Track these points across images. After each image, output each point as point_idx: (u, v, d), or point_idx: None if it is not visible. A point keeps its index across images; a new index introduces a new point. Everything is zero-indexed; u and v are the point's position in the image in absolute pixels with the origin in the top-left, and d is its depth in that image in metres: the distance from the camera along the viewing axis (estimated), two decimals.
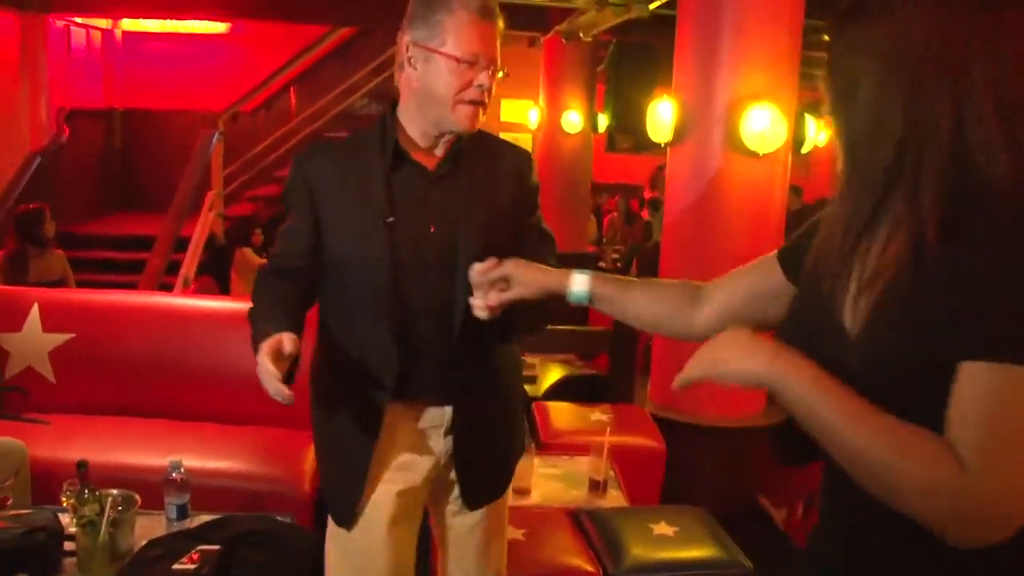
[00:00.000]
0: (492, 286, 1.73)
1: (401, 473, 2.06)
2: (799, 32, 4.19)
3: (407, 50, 1.92)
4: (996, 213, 1.08)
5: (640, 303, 1.65)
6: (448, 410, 2.04)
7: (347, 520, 2.05)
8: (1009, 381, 1.02)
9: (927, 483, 1.04)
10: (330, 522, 2.11)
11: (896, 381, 1.10)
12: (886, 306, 1.12)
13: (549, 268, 1.73)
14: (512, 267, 1.72)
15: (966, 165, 1.09)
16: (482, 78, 1.90)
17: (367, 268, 1.95)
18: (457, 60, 1.87)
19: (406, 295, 1.96)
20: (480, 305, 1.74)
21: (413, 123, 1.99)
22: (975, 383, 1.04)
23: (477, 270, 1.74)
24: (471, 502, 2.12)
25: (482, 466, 2.12)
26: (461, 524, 2.17)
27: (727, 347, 1.20)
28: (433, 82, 1.90)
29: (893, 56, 1.13)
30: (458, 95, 1.89)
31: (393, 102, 2.03)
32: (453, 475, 2.10)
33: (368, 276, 1.95)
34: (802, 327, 1.27)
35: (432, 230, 1.96)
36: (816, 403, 1.11)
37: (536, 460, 3.28)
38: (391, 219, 1.94)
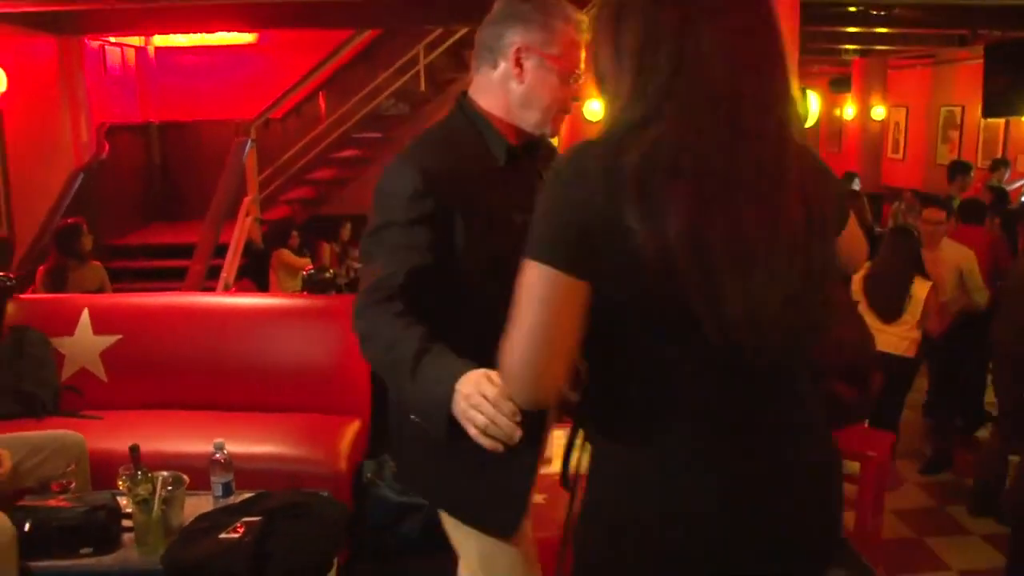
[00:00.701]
0: None
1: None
2: (795, 41, 4.30)
3: (516, 51, 1.90)
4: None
5: None
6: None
7: (510, 530, 2.10)
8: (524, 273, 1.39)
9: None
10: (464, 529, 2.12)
11: None
12: None
13: None
14: None
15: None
16: (576, 91, 1.96)
17: (508, 272, 1.72)
18: (571, 71, 1.92)
19: None
20: None
21: (500, 121, 1.97)
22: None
23: None
24: None
25: None
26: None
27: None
28: (540, 87, 1.92)
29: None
30: (560, 104, 1.95)
31: (461, 96, 2.02)
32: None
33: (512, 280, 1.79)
34: None
35: None
36: None
37: (556, 432, 3.44)
38: (518, 219, 1.83)
